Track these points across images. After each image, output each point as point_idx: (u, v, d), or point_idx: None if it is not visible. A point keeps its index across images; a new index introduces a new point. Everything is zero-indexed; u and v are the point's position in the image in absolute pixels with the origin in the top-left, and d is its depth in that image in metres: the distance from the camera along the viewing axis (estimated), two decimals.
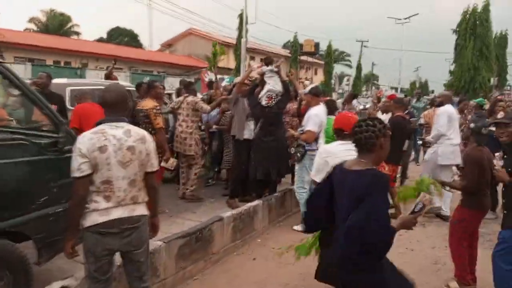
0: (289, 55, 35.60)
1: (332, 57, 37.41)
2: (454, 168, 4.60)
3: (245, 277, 4.04)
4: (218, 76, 7.94)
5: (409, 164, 8.58)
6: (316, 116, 5.21)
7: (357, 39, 43.37)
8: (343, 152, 3.25)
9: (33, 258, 3.15)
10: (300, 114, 6.86)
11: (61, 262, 3.57)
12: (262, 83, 5.75)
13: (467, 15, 25.54)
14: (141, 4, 53.64)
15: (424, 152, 6.88)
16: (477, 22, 25.22)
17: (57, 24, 39.83)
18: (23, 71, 16.89)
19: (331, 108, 5.66)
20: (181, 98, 6.41)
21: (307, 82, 9.29)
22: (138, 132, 2.66)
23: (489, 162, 3.71)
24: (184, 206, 5.98)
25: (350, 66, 51.63)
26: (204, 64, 28.63)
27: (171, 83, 17.18)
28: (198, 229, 4.00)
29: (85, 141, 2.49)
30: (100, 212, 2.52)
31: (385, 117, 6.46)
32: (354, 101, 10.21)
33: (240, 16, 24.41)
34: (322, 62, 40.38)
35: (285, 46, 42.02)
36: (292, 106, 7.52)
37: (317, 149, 5.32)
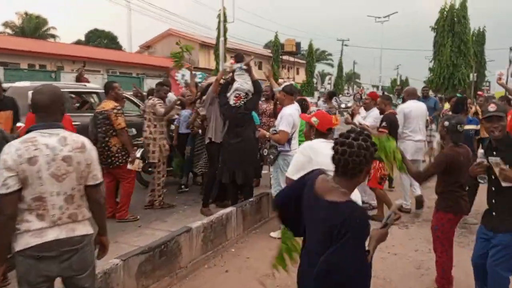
0: (271, 55, 35.41)
1: (313, 56, 37.40)
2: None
3: None
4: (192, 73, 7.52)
5: None
6: (290, 116, 4.92)
7: (338, 38, 43.45)
8: (328, 150, 3.00)
9: None
10: (276, 115, 6.58)
11: None
12: (233, 81, 5.44)
13: (445, 13, 25.63)
14: (120, 6, 52.81)
15: None
16: (455, 19, 25.32)
17: (33, 27, 38.98)
18: None
19: (303, 107, 5.43)
20: (146, 101, 6.04)
21: (281, 81, 9.00)
22: (76, 139, 2.31)
23: (466, 162, 3.48)
24: (155, 215, 5.61)
25: (331, 65, 51.82)
26: (185, 65, 28.19)
27: (150, 85, 16.80)
28: (162, 242, 3.65)
29: (12, 151, 2.13)
30: (33, 233, 2.17)
31: (366, 114, 6.23)
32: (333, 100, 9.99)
33: (219, 15, 24.04)
34: (304, 62, 40.29)
35: (266, 46, 41.85)
36: (269, 106, 7.24)
37: (291, 150, 5.06)
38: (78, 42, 41.78)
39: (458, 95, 8.80)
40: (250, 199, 5.26)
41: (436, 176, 3.69)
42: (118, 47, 43.82)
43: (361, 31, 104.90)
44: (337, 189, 1.86)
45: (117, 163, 5.27)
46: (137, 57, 33.34)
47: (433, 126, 8.44)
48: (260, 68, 40.14)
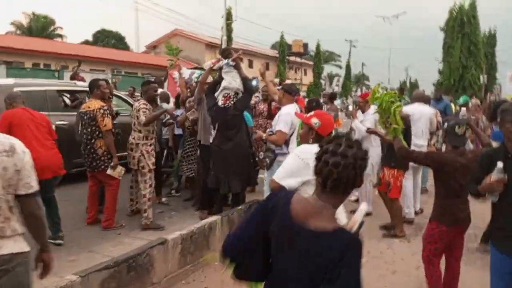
0: (277, 55, 35.03)
1: (321, 57, 36.91)
2: None
3: None
4: (189, 71, 7.11)
5: None
6: (288, 115, 4.53)
7: (346, 39, 42.93)
8: None
9: None
10: (271, 116, 6.19)
11: None
12: (221, 79, 5.04)
13: (454, 13, 25.07)
14: (128, 7, 52.73)
15: None
16: (464, 19, 24.75)
17: (40, 27, 38.98)
18: None
19: (312, 108, 4.98)
20: (135, 103, 5.49)
21: (276, 80, 8.60)
22: (3, 141, 1.95)
23: (465, 169, 3.13)
24: (138, 222, 5.21)
25: (340, 67, 51.26)
26: (189, 65, 27.95)
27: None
28: (131, 256, 3.29)
29: None
30: None
31: (363, 117, 5.81)
32: (338, 101, 9.54)
33: (227, 18, 23.79)
34: (312, 63, 39.87)
35: (273, 46, 41.47)
36: (266, 107, 6.87)
37: (288, 153, 4.67)
38: (86, 42, 41.74)
39: (463, 97, 8.32)
40: (239, 207, 4.87)
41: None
42: (125, 47, 43.74)
43: (369, 32, 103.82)
44: (322, 212, 1.50)
45: (103, 167, 4.89)
46: (142, 57, 33.14)
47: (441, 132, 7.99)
48: (267, 69, 39.84)
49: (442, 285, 3.44)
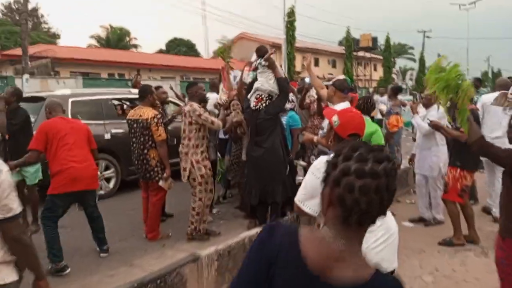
0: (344, 51, 33.96)
1: (390, 51, 35.09)
2: None
3: None
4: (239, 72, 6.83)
5: None
6: None
7: (419, 30, 40.45)
8: None
9: None
10: (321, 114, 5.70)
11: None
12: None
13: None
14: (197, 15, 54.46)
15: None
16: None
17: (116, 38, 41.42)
18: (74, 85, 17.36)
19: (368, 108, 4.44)
20: (183, 107, 4.96)
21: (330, 76, 7.99)
22: None
23: None
24: (184, 232, 5.01)
25: (413, 60, 48.49)
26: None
27: (223, 88, 16.65)
28: (158, 276, 3.04)
29: None
30: None
31: (426, 113, 5.12)
32: (408, 97, 8.69)
33: (289, 16, 23.43)
34: (382, 57, 38.09)
35: (341, 43, 40.28)
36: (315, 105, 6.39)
37: None
38: (160, 52, 43.58)
39: None
40: (283, 219, 4.47)
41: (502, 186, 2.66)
42: (196, 54, 45.02)
43: (444, 21, 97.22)
44: (349, 256, 1.08)
45: (156, 178, 4.75)
46: (210, 62, 33.81)
47: None
48: (334, 66, 38.73)
49: None
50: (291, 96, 5.46)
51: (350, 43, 33.34)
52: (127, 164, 6.63)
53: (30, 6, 43.13)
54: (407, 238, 4.96)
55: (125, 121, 6.81)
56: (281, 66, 11.40)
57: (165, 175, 4.74)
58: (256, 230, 4.05)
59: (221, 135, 6.15)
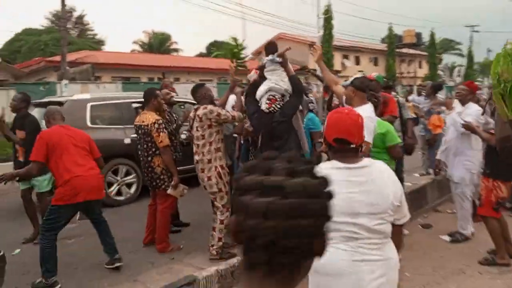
0: (386, 49, 32.79)
1: (435, 47, 33.51)
2: None
3: None
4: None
5: None
6: (370, 120, 3.52)
7: (466, 25, 38.40)
8: (343, 184, 1.81)
9: None
10: (330, 109, 5.21)
11: None
12: (261, 80, 4.21)
13: None
14: (236, 17, 54.63)
15: None
16: None
17: (158, 43, 42.27)
18: (114, 89, 17.71)
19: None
20: (192, 113, 4.42)
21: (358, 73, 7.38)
22: None
23: None
24: (197, 243, 4.66)
25: (462, 55, 46.12)
26: (293, 67, 27.51)
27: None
28: None
29: None
30: None
31: (462, 110, 4.51)
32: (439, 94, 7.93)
33: (324, 13, 22.81)
34: (426, 54, 36.50)
35: (384, 40, 39.01)
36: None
37: None
38: (200, 55, 44.05)
39: None
40: None
41: None
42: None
43: (493, 14, 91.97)
44: None
45: (163, 186, 4.49)
46: (248, 63, 33.74)
47: None
48: (376, 64, 37.51)
49: None
50: (311, 96, 5.00)
51: (392, 39, 32.14)
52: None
53: (76, 14, 45.27)
54: (445, 256, 4.41)
55: None
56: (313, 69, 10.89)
57: (173, 182, 4.45)
58: None
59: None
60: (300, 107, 4.56)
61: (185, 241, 4.81)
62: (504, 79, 2.14)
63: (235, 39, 7.10)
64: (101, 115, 6.49)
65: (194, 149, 4.27)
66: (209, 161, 4.18)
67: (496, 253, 4.08)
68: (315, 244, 0.76)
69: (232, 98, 5.54)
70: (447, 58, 45.18)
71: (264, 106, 4.02)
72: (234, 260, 3.37)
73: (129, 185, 6.70)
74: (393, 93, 9.47)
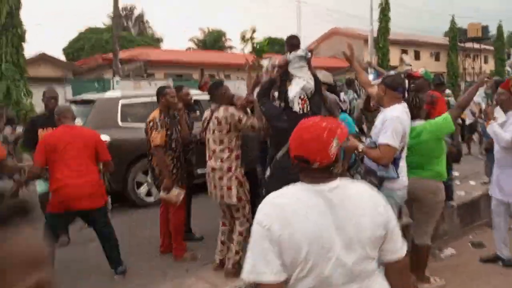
0: (448, 43, 30.86)
1: (503, 41, 31.08)
2: None
3: None
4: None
5: None
6: (397, 121, 3.13)
7: None
8: (309, 210, 1.46)
9: None
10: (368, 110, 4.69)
11: None
12: (286, 78, 3.72)
13: None
14: (290, 13, 53.88)
15: None
16: None
17: (213, 40, 42.78)
18: None
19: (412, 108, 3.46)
20: (207, 113, 4.10)
21: (407, 68, 6.73)
22: None
23: None
24: (212, 254, 4.35)
25: None
26: (347, 63, 26.57)
27: (322, 78, 16.14)
28: None
29: None
30: None
31: (506, 118, 3.82)
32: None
33: (381, 5, 21.75)
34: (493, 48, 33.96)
35: (447, 34, 36.84)
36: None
37: (398, 179, 3.22)
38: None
39: None
40: None
41: None
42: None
43: None
44: None
45: (159, 187, 4.30)
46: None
47: None
48: (437, 59, 35.46)
49: None
50: (343, 95, 4.50)
51: (455, 33, 30.17)
52: None
53: (136, 13, 46.90)
54: (480, 284, 3.76)
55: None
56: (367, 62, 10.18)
57: (163, 185, 4.15)
58: None
59: None
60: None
61: (204, 250, 4.51)
62: None
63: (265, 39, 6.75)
64: (133, 113, 6.37)
65: (208, 154, 3.94)
66: (229, 169, 3.80)
67: None
68: None
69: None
70: None
71: (297, 107, 3.56)
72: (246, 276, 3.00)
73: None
74: (447, 91, 8.69)
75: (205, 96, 5.20)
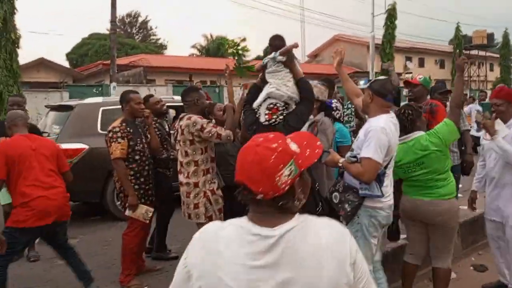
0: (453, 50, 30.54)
1: (509, 48, 30.67)
2: None
3: None
4: None
5: None
6: (381, 133, 2.70)
7: None
8: (245, 265, 1.13)
9: None
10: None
11: None
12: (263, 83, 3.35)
13: None
14: (294, 20, 53.76)
15: None
16: None
17: (215, 47, 42.59)
18: (165, 92, 17.84)
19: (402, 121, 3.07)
20: (176, 123, 3.73)
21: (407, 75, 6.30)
22: None
23: None
24: (166, 283, 3.94)
25: None
26: (349, 70, 26.23)
27: (316, 93, 15.89)
28: None
29: None
30: None
31: (507, 131, 3.39)
32: None
33: (388, 12, 21.51)
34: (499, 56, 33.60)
35: (452, 41, 36.53)
36: None
37: (383, 198, 2.82)
38: (257, 58, 43.90)
39: None
40: None
41: None
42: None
43: None
44: None
45: (122, 204, 3.90)
46: (304, 66, 32.86)
47: None
48: (442, 66, 35.06)
49: None
50: (335, 103, 4.07)
51: (459, 40, 29.83)
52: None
53: (140, 20, 46.93)
54: None
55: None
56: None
57: (128, 202, 3.75)
58: None
59: None
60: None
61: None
62: None
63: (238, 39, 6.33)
64: (114, 120, 6.03)
65: (178, 167, 3.57)
66: (196, 184, 3.46)
67: None
68: None
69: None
70: None
71: (263, 117, 3.15)
72: None
73: None
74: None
75: None
